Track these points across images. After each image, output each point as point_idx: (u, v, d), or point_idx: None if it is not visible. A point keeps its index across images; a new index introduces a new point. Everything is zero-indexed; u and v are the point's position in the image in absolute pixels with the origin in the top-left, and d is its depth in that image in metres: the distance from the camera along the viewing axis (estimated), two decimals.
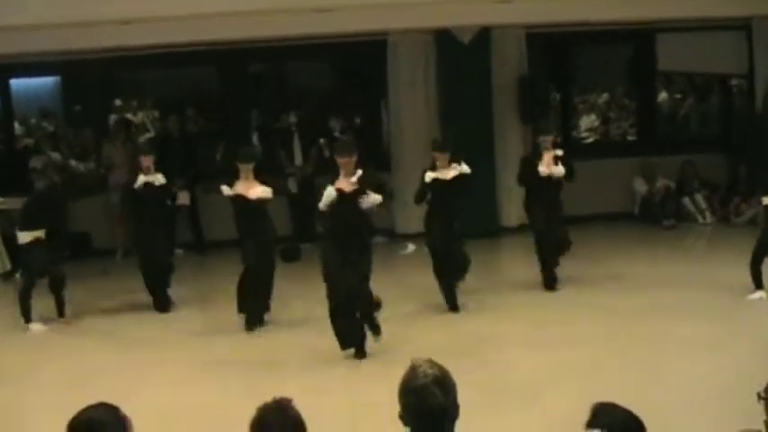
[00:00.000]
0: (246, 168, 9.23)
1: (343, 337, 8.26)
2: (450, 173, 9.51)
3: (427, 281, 9.77)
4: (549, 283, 10.21)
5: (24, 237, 9.91)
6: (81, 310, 10.25)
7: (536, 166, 10.14)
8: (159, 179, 10.07)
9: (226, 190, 9.23)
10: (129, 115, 15.58)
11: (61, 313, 9.99)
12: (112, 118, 14.81)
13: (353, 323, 8.27)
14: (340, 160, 8.31)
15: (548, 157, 10.14)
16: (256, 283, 9.32)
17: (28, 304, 9.75)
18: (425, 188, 9.60)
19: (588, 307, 9.28)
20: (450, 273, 9.65)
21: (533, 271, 10.32)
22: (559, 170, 10.08)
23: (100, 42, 12.27)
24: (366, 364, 8.23)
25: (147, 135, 15.24)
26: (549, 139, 10.37)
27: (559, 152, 10.26)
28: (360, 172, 8.24)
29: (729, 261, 10.54)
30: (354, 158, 8.27)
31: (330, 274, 8.21)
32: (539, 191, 10.25)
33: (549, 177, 10.09)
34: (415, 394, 3.25)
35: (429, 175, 9.56)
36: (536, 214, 10.36)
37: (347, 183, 8.21)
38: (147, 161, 10.10)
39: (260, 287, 9.36)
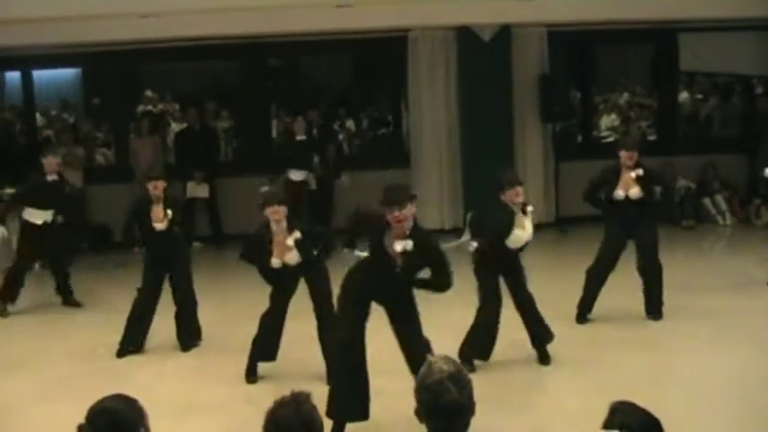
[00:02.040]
0: (276, 211, 7.05)
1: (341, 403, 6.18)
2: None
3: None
4: None
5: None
6: (97, 302, 10.29)
7: (612, 186, 8.69)
8: (159, 226, 8.18)
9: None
10: (149, 107, 15.64)
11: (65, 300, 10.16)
12: (141, 108, 14.86)
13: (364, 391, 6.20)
14: (390, 214, 5.97)
15: (627, 176, 8.62)
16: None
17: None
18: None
19: (602, 309, 9.16)
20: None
21: (552, 269, 10.04)
22: (636, 192, 8.58)
23: (121, 35, 12.33)
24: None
25: (169, 128, 15.31)
26: (630, 155, 8.59)
27: (640, 172, 8.61)
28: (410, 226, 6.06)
29: (750, 262, 10.44)
30: (412, 208, 6.05)
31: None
32: (614, 213, 8.78)
33: (627, 199, 8.63)
34: (430, 390, 3.24)
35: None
36: (608, 238, 8.83)
37: (398, 244, 6.07)
38: (156, 187, 8.20)
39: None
